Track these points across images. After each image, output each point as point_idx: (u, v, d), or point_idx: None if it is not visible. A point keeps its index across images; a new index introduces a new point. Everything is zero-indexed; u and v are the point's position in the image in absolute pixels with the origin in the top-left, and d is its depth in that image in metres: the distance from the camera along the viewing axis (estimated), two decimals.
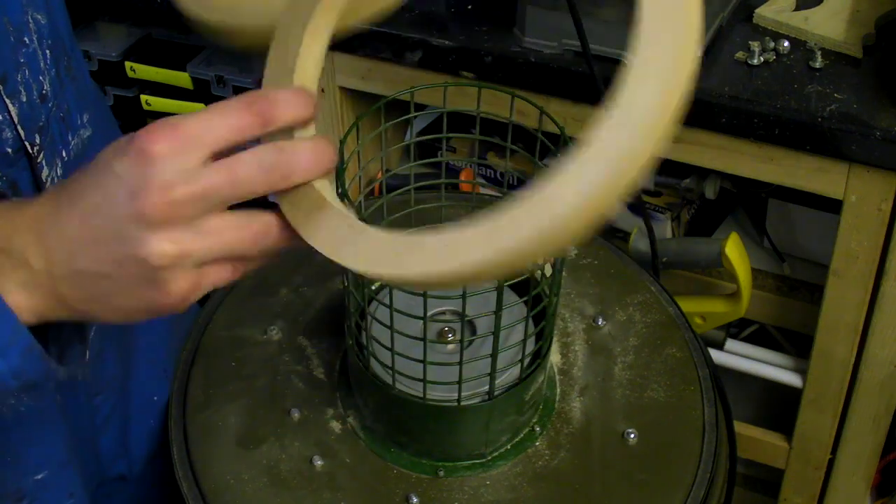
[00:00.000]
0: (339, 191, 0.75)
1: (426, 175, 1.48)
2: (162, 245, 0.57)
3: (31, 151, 0.72)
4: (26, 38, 0.72)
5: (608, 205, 0.50)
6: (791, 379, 1.47)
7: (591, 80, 1.11)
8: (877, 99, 1.20)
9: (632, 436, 0.90)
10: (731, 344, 1.50)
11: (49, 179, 0.74)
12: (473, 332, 0.91)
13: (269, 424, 0.93)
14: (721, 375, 1.01)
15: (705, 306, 1.38)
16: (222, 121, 0.57)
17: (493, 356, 0.82)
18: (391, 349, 0.82)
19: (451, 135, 0.89)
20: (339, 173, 0.77)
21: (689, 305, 1.29)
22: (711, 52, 1.29)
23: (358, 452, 0.91)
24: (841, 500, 1.53)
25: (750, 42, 1.27)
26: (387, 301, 0.80)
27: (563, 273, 1.06)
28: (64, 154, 0.77)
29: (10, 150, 0.70)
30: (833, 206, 1.29)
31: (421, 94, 0.88)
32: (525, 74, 1.30)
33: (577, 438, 0.91)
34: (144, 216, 0.56)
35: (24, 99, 0.72)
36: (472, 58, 1.33)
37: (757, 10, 1.34)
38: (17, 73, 0.71)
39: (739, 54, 1.28)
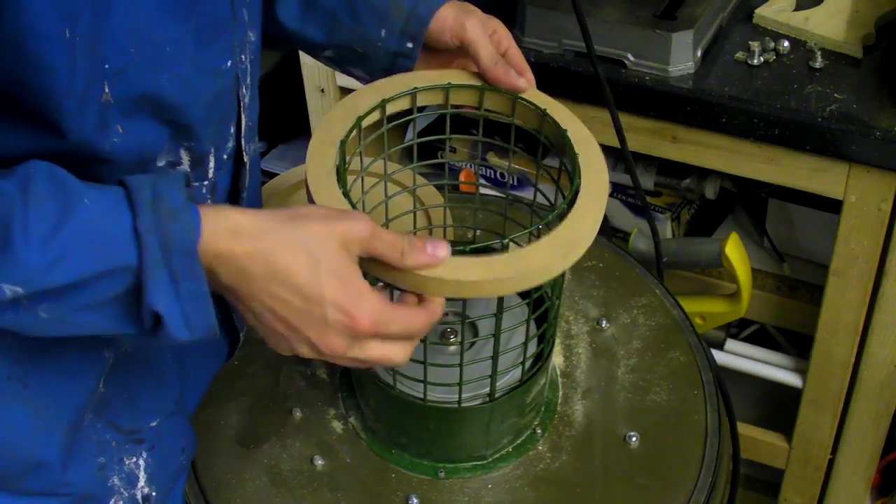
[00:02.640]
0: (342, 190, 0.75)
1: (426, 175, 1.47)
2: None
3: (244, 160, 0.82)
4: (246, 55, 0.79)
5: (561, 267, 0.76)
6: (791, 379, 1.47)
7: (593, 80, 1.10)
8: (877, 99, 1.20)
9: (633, 439, 0.90)
10: (731, 344, 1.50)
11: (244, 186, 0.84)
12: (476, 334, 0.91)
13: (270, 423, 0.93)
14: (721, 376, 1.01)
15: (705, 306, 1.38)
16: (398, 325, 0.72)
17: (494, 358, 0.82)
18: None
19: (453, 136, 0.89)
20: (339, 173, 0.77)
21: (689, 305, 1.29)
22: (711, 52, 1.28)
23: (359, 453, 0.90)
24: (841, 500, 1.53)
25: (750, 42, 1.27)
26: None
27: (568, 275, 1.06)
28: (247, 162, 0.84)
29: (225, 156, 0.79)
30: (833, 206, 1.29)
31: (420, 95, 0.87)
32: None
33: (578, 441, 0.91)
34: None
35: (249, 113, 0.80)
36: None
37: (757, 11, 1.33)
38: (244, 92, 0.79)
39: (739, 54, 1.28)
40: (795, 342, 1.61)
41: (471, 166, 1.59)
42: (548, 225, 0.77)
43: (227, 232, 0.67)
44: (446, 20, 0.88)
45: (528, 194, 1.19)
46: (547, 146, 0.85)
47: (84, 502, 0.80)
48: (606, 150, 1.41)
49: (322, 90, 1.52)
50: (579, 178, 0.79)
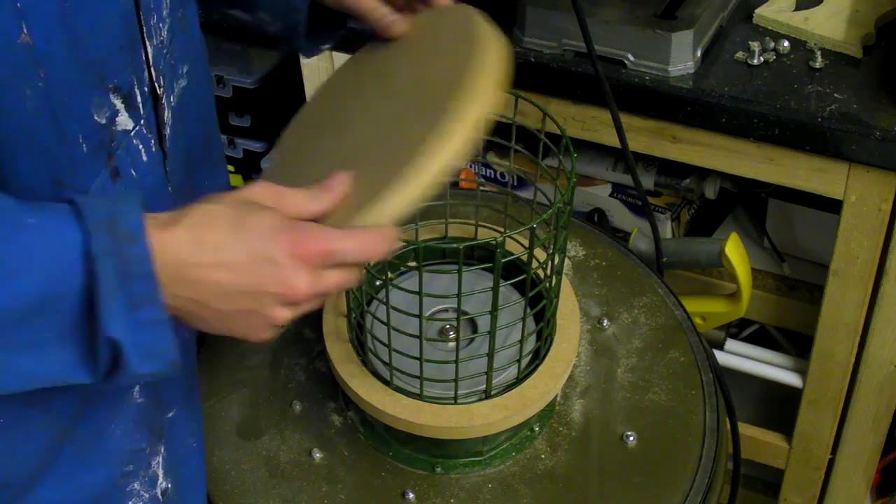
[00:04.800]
0: None
1: None
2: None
3: (158, 93, 0.76)
4: None
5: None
6: (791, 379, 1.47)
7: (593, 80, 1.11)
8: (876, 99, 1.20)
9: (631, 438, 0.90)
10: (731, 344, 1.50)
11: (166, 124, 0.78)
12: (475, 330, 0.91)
13: (270, 416, 0.93)
14: (723, 376, 1.01)
15: (705, 306, 1.37)
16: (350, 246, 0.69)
17: (490, 355, 0.83)
18: (388, 346, 0.82)
19: None
20: None
21: (689, 305, 1.28)
22: (711, 52, 1.29)
23: (357, 446, 0.91)
24: (841, 500, 1.53)
25: (750, 42, 1.27)
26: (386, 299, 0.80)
27: (571, 273, 1.06)
28: (172, 99, 0.80)
29: (146, 89, 0.75)
30: (833, 206, 1.29)
31: None
32: (525, 74, 1.30)
33: (575, 440, 0.91)
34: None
35: (155, 42, 0.75)
36: None
37: (757, 11, 1.33)
38: (151, 18, 0.74)
39: (739, 54, 1.28)
40: (795, 342, 1.61)
41: (470, 165, 1.59)
42: (546, 222, 0.78)
43: (152, 228, 0.64)
44: None
45: (527, 193, 1.19)
46: (547, 145, 0.86)
47: None
48: (607, 149, 1.42)
49: None
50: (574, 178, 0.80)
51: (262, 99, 1.64)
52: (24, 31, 0.62)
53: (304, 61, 1.51)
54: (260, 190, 0.70)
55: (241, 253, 0.66)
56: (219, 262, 0.66)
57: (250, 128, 1.67)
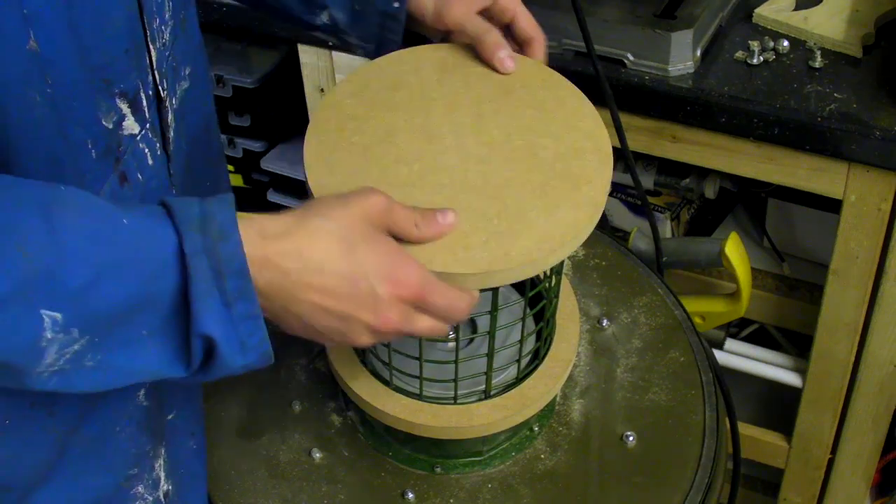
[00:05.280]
0: None
1: None
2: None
3: (162, 95, 0.76)
4: None
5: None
6: (791, 379, 1.47)
7: (593, 80, 1.10)
8: (876, 99, 1.20)
9: (631, 438, 0.90)
10: (731, 344, 1.50)
11: (170, 127, 0.78)
12: (475, 330, 0.91)
13: (270, 416, 0.93)
14: (723, 376, 1.01)
15: (705, 306, 1.37)
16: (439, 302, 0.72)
17: (489, 355, 0.83)
18: (388, 346, 0.82)
19: None
20: None
21: (689, 305, 1.28)
22: (711, 52, 1.28)
23: (357, 446, 0.91)
24: (841, 499, 1.53)
25: (749, 42, 1.27)
26: None
27: (570, 273, 1.06)
28: (174, 102, 0.80)
29: (150, 92, 0.75)
30: (833, 206, 1.29)
31: None
32: None
33: (575, 439, 0.91)
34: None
35: (158, 45, 0.75)
36: None
37: (756, 10, 1.33)
38: (154, 21, 0.74)
39: (739, 54, 1.28)
40: (795, 342, 1.61)
41: None
42: None
43: (256, 236, 0.65)
44: (425, 9, 0.89)
45: None
46: None
47: None
48: None
49: (322, 90, 1.52)
50: None
51: (262, 99, 1.64)
52: (32, 37, 0.62)
53: (303, 61, 1.51)
54: (375, 202, 0.70)
55: (343, 280, 0.67)
56: (321, 285, 0.67)
57: (250, 127, 1.67)
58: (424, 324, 0.72)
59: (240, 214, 0.66)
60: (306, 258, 0.66)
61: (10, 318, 0.58)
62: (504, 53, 0.86)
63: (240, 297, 0.64)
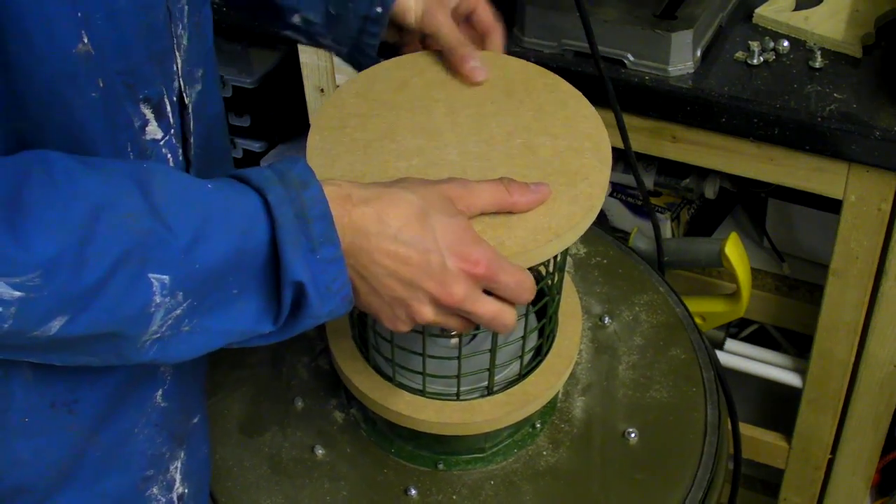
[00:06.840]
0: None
1: None
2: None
3: (185, 101, 0.78)
4: None
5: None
6: (791, 379, 1.47)
7: (593, 80, 1.11)
8: (876, 99, 1.20)
9: (632, 435, 0.90)
10: (731, 344, 1.50)
11: (191, 133, 0.79)
12: (478, 327, 0.91)
13: (272, 413, 0.93)
14: (723, 375, 1.01)
15: (705, 306, 1.37)
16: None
17: (493, 351, 0.83)
18: (391, 342, 0.82)
19: None
20: None
21: (689, 305, 1.29)
22: (711, 52, 1.29)
23: (359, 443, 0.91)
24: (841, 499, 1.53)
25: (750, 42, 1.28)
26: None
27: (572, 271, 1.06)
28: (189, 106, 0.80)
29: (175, 98, 0.76)
30: (833, 206, 1.29)
31: None
32: None
33: (577, 436, 0.91)
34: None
35: (182, 50, 0.76)
36: None
37: (757, 10, 1.34)
38: (178, 27, 0.75)
39: (739, 54, 1.28)
40: (795, 342, 1.61)
41: None
42: None
43: (341, 198, 0.68)
44: (409, 10, 0.90)
45: None
46: None
47: None
48: None
49: (322, 90, 1.52)
50: None
51: (262, 99, 1.64)
52: (85, 40, 0.64)
53: (304, 61, 1.51)
54: (456, 182, 0.73)
55: (415, 249, 0.69)
56: (395, 251, 0.69)
57: (250, 128, 1.67)
58: (489, 307, 0.73)
59: (328, 179, 0.68)
60: (385, 223, 0.68)
61: (123, 284, 0.60)
62: (475, 63, 0.87)
63: (325, 241, 0.66)
